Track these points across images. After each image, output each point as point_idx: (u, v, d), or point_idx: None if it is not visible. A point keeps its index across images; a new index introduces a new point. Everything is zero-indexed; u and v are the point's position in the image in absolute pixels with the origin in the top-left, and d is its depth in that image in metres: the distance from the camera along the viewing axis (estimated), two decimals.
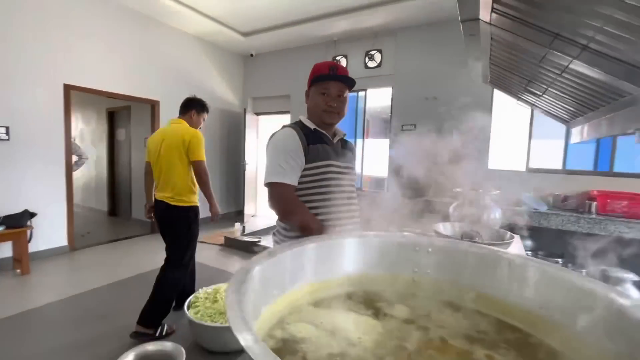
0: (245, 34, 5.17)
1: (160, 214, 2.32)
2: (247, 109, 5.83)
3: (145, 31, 4.54)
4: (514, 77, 1.82)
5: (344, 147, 1.36)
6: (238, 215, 6.25)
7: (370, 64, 4.75)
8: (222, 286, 2.35)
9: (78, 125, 6.47)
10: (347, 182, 1.28)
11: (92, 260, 3.75)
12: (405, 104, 4.60)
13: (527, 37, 1.23)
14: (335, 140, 1.32)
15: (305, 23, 4.65)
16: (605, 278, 1.81)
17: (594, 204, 3.25)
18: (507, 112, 4.10)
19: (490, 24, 1.31)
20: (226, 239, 4.34)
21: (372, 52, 4.71)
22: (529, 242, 2.39)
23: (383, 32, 4.67)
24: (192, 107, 2.50)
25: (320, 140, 1.24)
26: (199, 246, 4.24)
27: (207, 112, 2.62)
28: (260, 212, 6.32)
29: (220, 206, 5.94)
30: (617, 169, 3.55)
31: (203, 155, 2.34)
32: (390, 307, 0.71)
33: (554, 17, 1.04)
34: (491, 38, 1.47)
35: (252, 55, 5.89)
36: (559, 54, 1.22)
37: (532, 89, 1.81)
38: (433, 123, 4.42)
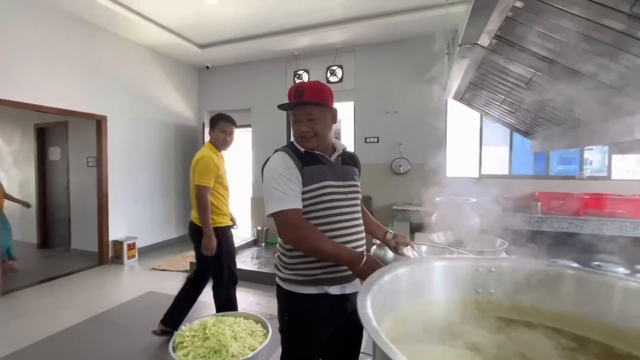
0: (202, 46, 4.94)
1: (191, 235, 2.42)
2: (206, 124, 5.53)
3: (91, 40, 4.08)
4: (490, 95, 2.00)
5: (345, 162, 1.30)
6: None
7: (332, 78, 4.87)
8: (209, 320, 2.16)
9: None
10: (349, 202, 1.22)
11: (25, 306, 3.12)
12: (368, 118, 4.78)
13: (522, 61, 1.37)
14: (334, 156, 1.25)
15: (266, 37, 4.61)
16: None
17: (539, 204, 3.68)
18: (460, 123, 4.50)
19: (486, 48, 1.42)
20: (192, 264, 3.99)
21: (334, 68, 4.84)
22: None
23: (344, 48, 4.83)
24: (212, 125, 2.45)
25: (315, 161, 1.19)
26: (160, 276, 3.86)
27: (230, 122, 2.44)
28: None
29: (177, 227, 5.53)
30: (551, 172, 4.09)
31: (204, 180, 2.26)
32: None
33: (552, 44, 1.16)
34: (480, 61, 1.60)
35: (208, 67, 5.64)
36: (547, 77, 1.37)
37: (505, 106, 2.00)
38: (395, 135, 4.68)
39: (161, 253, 4.82)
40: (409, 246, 1.38)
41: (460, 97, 2.46)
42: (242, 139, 5.84)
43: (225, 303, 2.42)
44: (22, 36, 3.46)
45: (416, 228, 3.88)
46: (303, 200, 1.15)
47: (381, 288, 0.65)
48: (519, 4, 1.02)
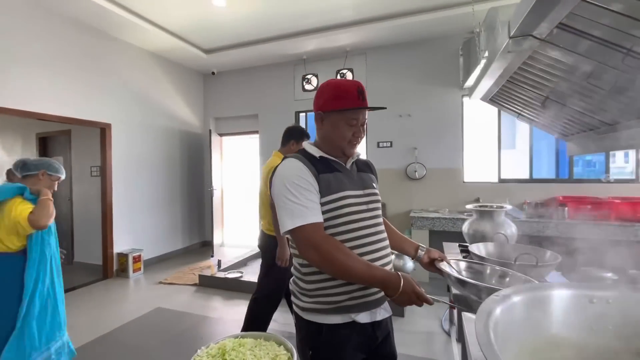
0: (208, 51, 4.83)
1: (262, 244, 2.39)
2: (212, 130, 5.39)
3: (94, 46, 3.96)
4: (530, 93, 1.84)
5: (360, 170, 1.18)
6: (205, 246, 5.66)
7: None
8: (228, 343, 1.97)
9: None
10: (371, 213, 1.10)
11: None
12: (380, 122, 4.63)
13: (589, 55, 1.21)
14: (349, 164, 1.14)
15: (274, 41, 4.49)
16: (587, 278, 1.87)
17: (566, 209, 3.50)
18: (476, 126, 4.35)
19: (543, 40, 1.26)
20: (201, 277, 3.82)
21: (344, 71, 4.70)
22: None
23: (354, 51, 4.71)
24: (291, 137, 2.37)
25: (331, 168, 1.07)
26: (167, 290, 3.69)
27: (308, 138, 2.42)
28: (228, 242, 5.80)
29: (183, 238, 5.36)
30: (575, 175, 3.92)
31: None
32: None
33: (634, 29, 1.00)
34: (530, 56, 1.44)
35: (213, 73, 5.53)
36: (616, 69, 1.21)
37: (548, 106, 1.84)
38: (409, 139, 4.52)
39: (167, 265, 4.65)
40: (444, 262, 1.24)
41: (490, 98, 2.30)
42: (249, 145, 5.71)
43: (261, 319, 2.29)
44: (24, 42, 3.34)
45: (437, 236, 3.70)
46: (322, 212, 1.02)
47: (500, 318, 0.48)
48: None
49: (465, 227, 2.25)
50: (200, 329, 2.75)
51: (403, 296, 0.94)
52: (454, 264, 1.32)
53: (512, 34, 1.27)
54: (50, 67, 3.55)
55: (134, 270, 4.18)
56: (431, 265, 1.26)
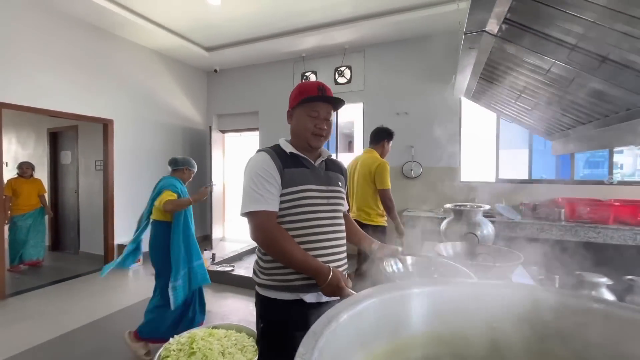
0: (209, 49, 4.92)
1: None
2: (213, 127, 5.50)
3: (98, 45, 4.11)
4: (504, 91, 1.80)
5: (329, 169, 1.28)
6: (204, 240, 5.79)
7: (340, 80, 4.73)
8: (198, 333, 2.03)
9: (11, 148, 5.67)
10: (330, 207, 1.19)
11: (29, 309, 3.11)
12: (377, 119, 4.59)
13: (537, 49, 1.18)
14: (319, 162, 1.24)
15: (273, 39, 4.53)
16: (580, 283, 1.80)
17: (563, 211, 3.39)
18: (474, 124, 4.25)
19: (496, 35, 1.24)
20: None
21: (342, 68, 4.70)
22: None
23: (352, 49, 4.69)
24: (384, 137, 2.73)
25: (298, 164, 1.18)
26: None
27: (390, 136, 2.79)
28: (229, 236, 5.91)
29: None
30: (577, 176, 3.78)
31: (388, 184, 2.54)
32: None
33: (575, 26, 0.98)
34: (490, 52, 1.42)
35: (216, 70, 5.63)
36: (568, 66, 1.17)
37: (521, 104, 1.80)
38: (406, 137, 4.47)
39: None
40: (394, 259, 1.25)
41: (472, 95, 2.26)
42: (249, 142, 5.78)
43: None
44: (34, 42, 3.51)
45: (429, 235, 3.65)
46: (282, 202, 1.13)
47: (340, 328, 0.50)
48: None
49: (442, 227, 2.22)
50: None
51: (328, 287, 1.04)
52: (404, 261, 1.32)
53: (465, 30, 1.26)
54: (59, 66, 3.73)
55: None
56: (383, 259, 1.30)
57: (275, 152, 1.17)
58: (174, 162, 2.64)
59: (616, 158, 4.16)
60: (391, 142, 2.79)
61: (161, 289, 2.42)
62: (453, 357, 0.62)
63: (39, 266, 4.36)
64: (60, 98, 3.75)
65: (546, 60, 1.23)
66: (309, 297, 1.13)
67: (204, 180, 5.83)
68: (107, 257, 4.29)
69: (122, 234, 4.43)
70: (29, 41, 3.48)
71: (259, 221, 1.09)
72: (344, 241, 1.25)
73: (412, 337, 0.57)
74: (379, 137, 2.73)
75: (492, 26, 1.18)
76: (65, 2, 3.53)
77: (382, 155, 2.71)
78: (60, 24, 3.74)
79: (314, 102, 1.16)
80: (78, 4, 3.54)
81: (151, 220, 2.50)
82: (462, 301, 0.60)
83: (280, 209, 1.13)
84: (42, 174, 5.21)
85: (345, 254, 1.25)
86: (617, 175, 4.14)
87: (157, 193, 2.46)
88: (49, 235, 5.18)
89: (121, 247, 4.33)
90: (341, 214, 1.26)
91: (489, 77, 1.76)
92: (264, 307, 1.18)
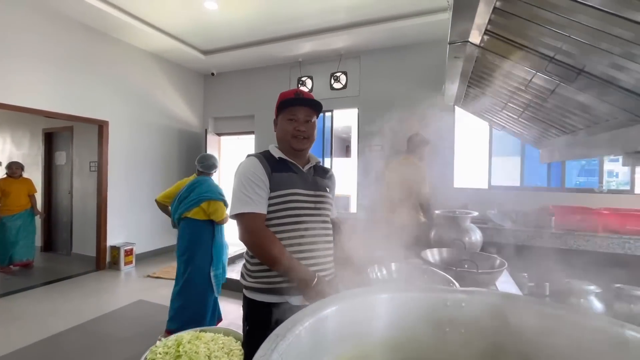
0: (206, 52, 4.95)
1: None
2: (209, 129, 5.51)
3: (94, 47, 4.13)
4: (491, 100, 1.83)
5: (318, 175, 1.30)
6: None
7: (336, 85, 4.76)
8: (185, 336, 2.03)
9: (6, 147, 5.66)
10: (318, 211, 1.22)
11: (17, 310, 3.08)
12: (371, 125, 4.63)
13: (518, 60, 1.21)
14: (307, 167, 1.27)
15: (269, 43, 4.56)
16: (570, 291, 1.82)
17: (553, 218, 3.42)
18: (468, 131, 4.29)
19: (479, 46, 1.27)
20: None
21: (338, 74, 4.73)
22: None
23: (348, 54, 4.73)
24: (419, 146, 2.92)
25: (286, 169, 1.21)
26: (153, 284, 3.79)
27: (427, 144, 2.99)
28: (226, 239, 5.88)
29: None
30: (570, 184, 3.82)
31: (422, 187, 2.71)
32: None
33: (552, 39, 1.00)
34: (475, 61, 1.45)
35: (213, 74, 5.65)
36: (549, 77, 1.20)
37: (508, 112, 1.83)
38: (400, 143, 4.51)
39: (159, 260, 4.77)
40: (378, 266, 1.28)
41: (462, 103, 2.29)
42: (246, 146, 5.80)
43: None
44: (30, 43, 3.52)
45: (419, 241, 3.66)
46: (270, 205, 1.16)
47: (304, 333, 0.51)
48: None
49: (432, 232, 2.24)
50: None
51: (312, 292, 1.07)
52: (387, 267, 1.34)
53: (449, 40, 1.29)
54: (56, 67, 3.74)
55: (126, 263, 4.31)
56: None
57: (265, 157, 1.21)
58: (212, 166, 2.65)
59: (612, 166, 4.20)
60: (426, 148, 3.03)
61: (193, 280, 2.53)
62: None
63: (30, 267, 4.33)
64: (56, 99, 3.75)
65: (528, 71, 1.26)
66: (295, 300, 1.14)
67: None
68: (100, 258, 4.26)
69: (115, 236, 4.41)
70: (25, 42, 3.49)
71: (247, 223, 1.12)
72: (331, 245, 1.27)
73: (375, 342, 0.58)
74: (414, 144, 3.02)
75: (475, 37, 1.21)
76: (63, 4, 3.55)
77: (421, 160, 2.99)
78: (57, 26, 3.76)
79: (292, 107, 1.21)
80: (76, 6, 3.56)
81: (190, 219, 2.52)
82: (421, 307, 0.61)
83: (268, 212, 1.16)
84: (36, 174, 5.20)
85: (331, 258, 1.26)
86: (612, 184, 4.19)
87: (204, 198, 2.48)
88: (40, 236, 5.15)
89: (113, 249, 4.31)
90: (328, 219, 1.28)
91: (476, 85, 1.79)
92: (250, 309, 1.19)
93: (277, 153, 1.23)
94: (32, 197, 4.36)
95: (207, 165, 2.60)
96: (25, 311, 3.05)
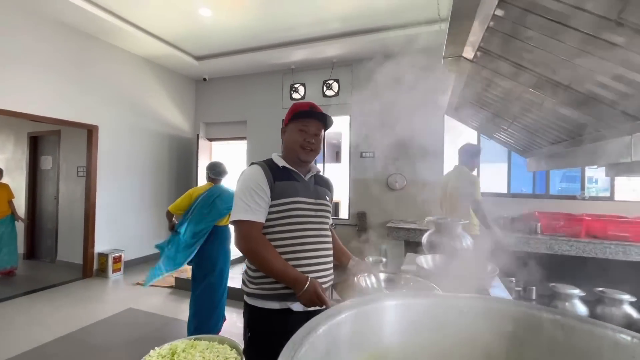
0: (199, 58, 4.95)
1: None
2: (200, 135, 5.48)
3: (84, 50, 4.08)
4: (482, 111, 1.91)
5: (318, 183, 1.34)
6: None
7: (328, 92, 4.83)
8: (179, 345, 2.01)
9: None
10: (319, 219, 1.25)
11: (2, 320, 2.97)
12: (363, 132, 4.70)
13: (509, 75, 1.27)
14: (308, 176, 1.30)
15: (263, 50, 4.60)
16: (555, 295, 1.90)
17: (539, 224, 3.53)
18: (457, 138, 4.41)
19: (472, 61, 1.34)
20: (177, 279, 3.86)
21: (330, 82, 4.80)
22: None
23: (340, 63, 4.81)
24: (474, 157, 2.99)
25: (289, 177, 1.23)
26: (143, 292, 3.71)
27: (479, 153, 3.09)
28: None
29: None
30: (553, 190, 3.96)
31: (476, 195, 2.71)
32: None
33: (540, 57, 1.07)
34: (468, 75, 1.52)
35: (205, 79, 5.64)
36: (537, 91, 1.27)
37: (497, 123, 1.91)
38: (391, 150, 4.58)
39: (149, 267, 4.66)
40: (368, 275, 1.30)
41: (453, 113, 2.37)
42: (238, 151, 5.79)
43: None
44: (18, 46, 3.46)
45: (412, 247, 3.72)
46: (272, 213, 1.18)
47: (318, 340, 0.53)
48: (499, 13, 0.94)
49: (424, 239, 2.29)
50: (166, 331, 2.78)
51: (306, 294, 1.08)
52: (376, 276, 1.35)
53: (444, 54, 1.35)
54: (43, 70, 3.67)
55: (114, 271, 4.22)
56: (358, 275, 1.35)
57: (268, 165, 1.23)
58: (223, 172, 2.75)
59: (592, 173, 4.37)
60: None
61: (213, 284, 2.65)
62: None
63: (13, 275, 4.18)
64: (43, 102, 3.68)
65: (518, 85, 1.33)
66: (297, 306, 1.15)
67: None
68: (87, 266, 4.16)
69: (103, 243, 4.32)
70: (13, 44, 3.42)
71: (243, 230, 1.14)
72: (331, 252, 1.30)
73: (386, 348, 0.61)
74: (468, 156, 3.08)
75: (468, 53, 1.27)
76: (52, 7, 3.50)
77: (473, 169, 3.05)
78: (47, 28, 3.70)
79: (304, 119, 1.24)
80: (66, 9, 3.52)
81: (224, 226, 2.69)
82: (432, 313, 0.65)
83: (271, 220, 1.18)
84: (20, 178, 5.06)
85: (331, 265, 1.29)
86: (592, 190, 4.36)
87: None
88: (23, 242, 4.99)
89: (101, 256, 4.21)
90: (328, 227, 1.31)
91: (468, 97, 1.86)
92: (252, 316, 1.20)
93: (280, 162, 1.26)
94: (10, 203, 4.23)
95: (219, 172, 2.71)
96: (9, 321, 2.95)
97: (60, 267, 4.54)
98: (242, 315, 1.27)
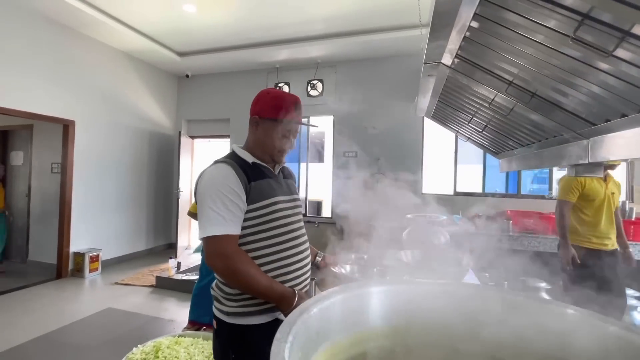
0: (182, 54, 4.88)
1: None
2: (182, 132, 5.40)
3: (62, 42, 3.93)
4: (458, 114, 2.02)
5: (285, 176, 1.23)
6: (169, 248, 5.60)
7: (313, 92, 4.88)
8: (164, 342, 2.01)
9: None
10: (297, 217, 1.16)
11: None
12: (347, 132, 4.79)
13: (483, 82, 1.38)
14: (277, 170, 1.18)
15: (247, 49, 4.60)
16: (525, 288, 2.06)
17: (510, 222, 3.74)
18: (436, 140, 4.58)
19: (450, 67, 1.43)
20: (158, 278, 3.80)
21: (314, 82, 4.86)
22: None
23: (324, 63, 4.88)
24: None
25: (263, 175, 1.09)
26: (122, 291, 3.63)
27: None
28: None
29: (148, 239, 5.29)
30: (525, 190, 4.20)
31: (562, 195, 2.52)
32: None
33: (510, 66, 1.17)
34: (446, 80, 1.61)
35: (187, 76, 5.56)
36: (508, 97, 1.38)
37: (473, 125, 2.03)
38: (373, 150, 4.70)
39: (127, 266, 4.58)
40: (338, 266, 1.34)
41: (432, 115, 2.49)
42: (220, 149, 5.74)
43: None
44: None
45: (392, 245, 3.83)
46: (252, 218, 1.03)
47: (310, 319, 0.59)
48: (474, 24, 1.02)
49: (404, 235, 2.40)
50: (147, 330, 2.74)
51: (293, 309, 1.00)
52: (345, 268, 1.43)
53: (424, 60, 1.43)
54: (16, 61, 3.51)
55: (91, 271, 4.10)
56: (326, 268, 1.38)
57: (237, 163, 1.06)
58: None
59: (560, 174, 4.64)
60: None
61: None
62: (404, 347, 0.73)
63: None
64: (14, 95, 3.51)
65: (490, 91, 1.43)
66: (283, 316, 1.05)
67: (170, 186, 5.67)
68: (61, 266, 4.02)
69: (79, 242, 4.18)
70: None
71: (218, 246, 0.97)
72: (309, 252, 1.22)
73: (370, 329, 0.68)
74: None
75: (447, 59, 1.36)
76: None
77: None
78: (22, 18, 3.54)
79: (291, 124, 1.12)
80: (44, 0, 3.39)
81: None
82: (413, 298, 0.72)
83: (250, 226, 1.03)
84: None
85: (309, 261, 1.24)
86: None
87: None
88: None
89: (77, 255, 4.08)
90: (303, 224, 1.23)
91: (446, 101, 1.97)
92: (235, 335, 1.04)
93: (248, 157, 1.10)
94: None
95: None
96: None
97: (32, 267, 4.36)
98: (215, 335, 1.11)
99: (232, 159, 1.08)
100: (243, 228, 1.02)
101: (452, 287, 0.80)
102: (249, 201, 1.02)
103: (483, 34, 1.07)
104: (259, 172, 1.09)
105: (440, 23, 1.08)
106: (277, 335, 0.52)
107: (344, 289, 0.69)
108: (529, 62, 1.08)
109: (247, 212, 1.03)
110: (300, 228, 1.16)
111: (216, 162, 1.09)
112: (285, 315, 1.01)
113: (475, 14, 0.97)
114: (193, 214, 2.71)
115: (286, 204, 1.12)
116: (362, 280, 1.28)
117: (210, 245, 0.98)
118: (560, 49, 0.89)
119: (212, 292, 1.13)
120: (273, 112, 1.10)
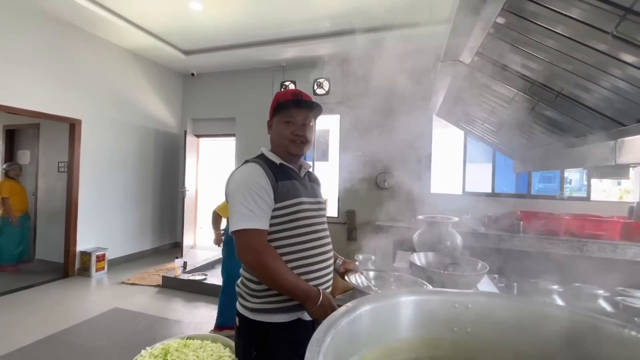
0: (187, 52, 4.85)
1: None
2: (187, 131, 5.38)
3: (66, 40, 3.91)
4: (473, 113, 1.97)
5: (311, 180, 1.27)
6: (175, 247, 5.60)
7: (319, 91, 4.83)
8: (172, 344, 1.99)
9: None
10: (320, 219, 1.18)
11: None
12: (353, 131, 4.74)
13: (503, 80, 1.32)
14: (302, 173, 1.22)
15: (253, 47, 4.56)
16: (535, 290, 2.00)
17: (521, 223, 3.67)
18: (444, 139, 4.52)
19: (469, 65, 1.38)
20: (164, 278, 3.79)
21: (321, 80, 4.81)
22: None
23: (331, 61, 4.82)
24: None
25: (289, 176, 1.13)
26: (129, 291, 3.63)
27: None
28: (200, 243, 5.75)
29: (153, 238, 5.29)
30: (532, 190, 4.12)
31: None
32: None
33: (535, 64, 1.12)
34: (463, 78, 1.56)
35: (193, 74, 5.53)
36: (529, 96, 1.32)
37: (488, 125, 1.97)
38: (380, 149, 4.64)
39: (134, 265, 4.58)
40: (357, 273, 1.30)
41: (444, 114, 2.44)
42: (226, 148, 5.72)
43: None
44: None
45: (400, 245, 3.79)
46: (278, 216, 1.07)
47: (338, 335, 0.55)
48: (500, 20, 0.97)
49: (415, 237, 2.35)
50: (155, 330, 2.73)
51: (320, 309, 1.01)
52: (366, 275, 1.37)
53: (441, 58, 1.38)
54: (22, 60, 3.50)
55: (97, 270, 4.10)
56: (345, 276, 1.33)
57: (266, 163, 1.11)
58: None
59: (566, 173, 4.56)
60: None
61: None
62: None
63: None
64: (21, 94, 3.51)
65: (510, 90, 1.38)
66: (307, 315, 1.08)
67: (176, 185, 5.67)
68: (68, 265, 4.02)
69: (86, 241, 4.18)
70: None
71: (249, 240, 1.02)
72: (332, 254, 1.24)
73: (398, 341, 0.64)
74: None
75: (466, 57, 1.31)
76: None
77: None
78: (27, 17, 3.53)
79: (289, 109, 1.13)
80: None
81: None
82: (441, 309, 0.68)
83: (276, 224, 1.07)
84: None
85: (332, 267, 1.25)
86: (567, 190, 4.55)
87: None
88: None
89: (84, 254, 4.08)
90: (327, 227, 1.24)
91: (461, 100, 1.92)
92: (258, 332, 1.06)
93: (275, 158, 1.15)
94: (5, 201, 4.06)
95: None
96: None
97: (38, 266, 4.37)
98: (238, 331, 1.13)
99: (261, 159, 1.15)
100: (270, 226, 1.07)
101: (483, 298, 0.76)
102: (276, 200, 1.06)
103: (509, 31, 1.02)
104: (286, 173, 1.14)
105: (464, 19, 1.03)
106: (308, 354, 0.48)
107: (369, 300, 0.65)
108: (556, 60, 1.03)
109: (274, 210, 1.07)
110: (324, 230, 1.18)
111: (247, 161, 1.15)
112: (312, 314, 1.03)
113: (502, 9, 0.92)
114: (217, 215, 2.66)
115: (310, 205, 1.15)
116: (384, 291, 1.23)
117: (241, 239, 1.03)
118: (596, 46, 0.84)
119: (236, 289, 1.16)
120: (273, 107, 1.18)
